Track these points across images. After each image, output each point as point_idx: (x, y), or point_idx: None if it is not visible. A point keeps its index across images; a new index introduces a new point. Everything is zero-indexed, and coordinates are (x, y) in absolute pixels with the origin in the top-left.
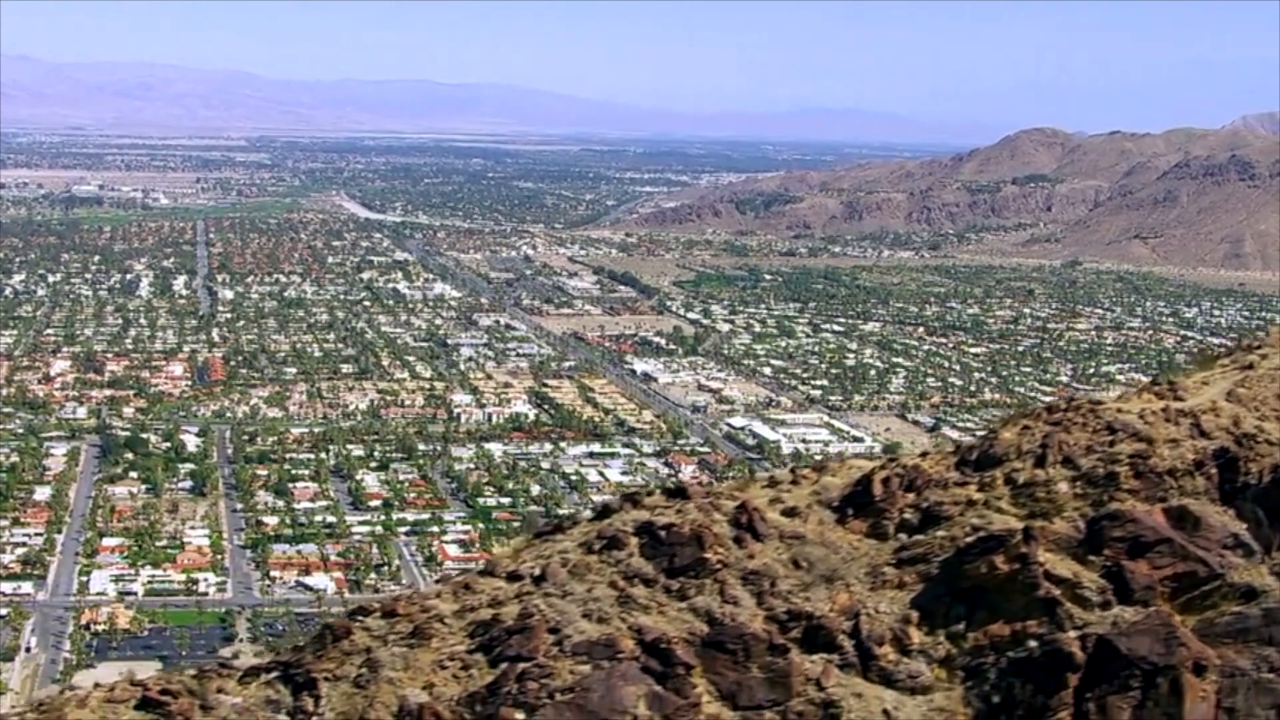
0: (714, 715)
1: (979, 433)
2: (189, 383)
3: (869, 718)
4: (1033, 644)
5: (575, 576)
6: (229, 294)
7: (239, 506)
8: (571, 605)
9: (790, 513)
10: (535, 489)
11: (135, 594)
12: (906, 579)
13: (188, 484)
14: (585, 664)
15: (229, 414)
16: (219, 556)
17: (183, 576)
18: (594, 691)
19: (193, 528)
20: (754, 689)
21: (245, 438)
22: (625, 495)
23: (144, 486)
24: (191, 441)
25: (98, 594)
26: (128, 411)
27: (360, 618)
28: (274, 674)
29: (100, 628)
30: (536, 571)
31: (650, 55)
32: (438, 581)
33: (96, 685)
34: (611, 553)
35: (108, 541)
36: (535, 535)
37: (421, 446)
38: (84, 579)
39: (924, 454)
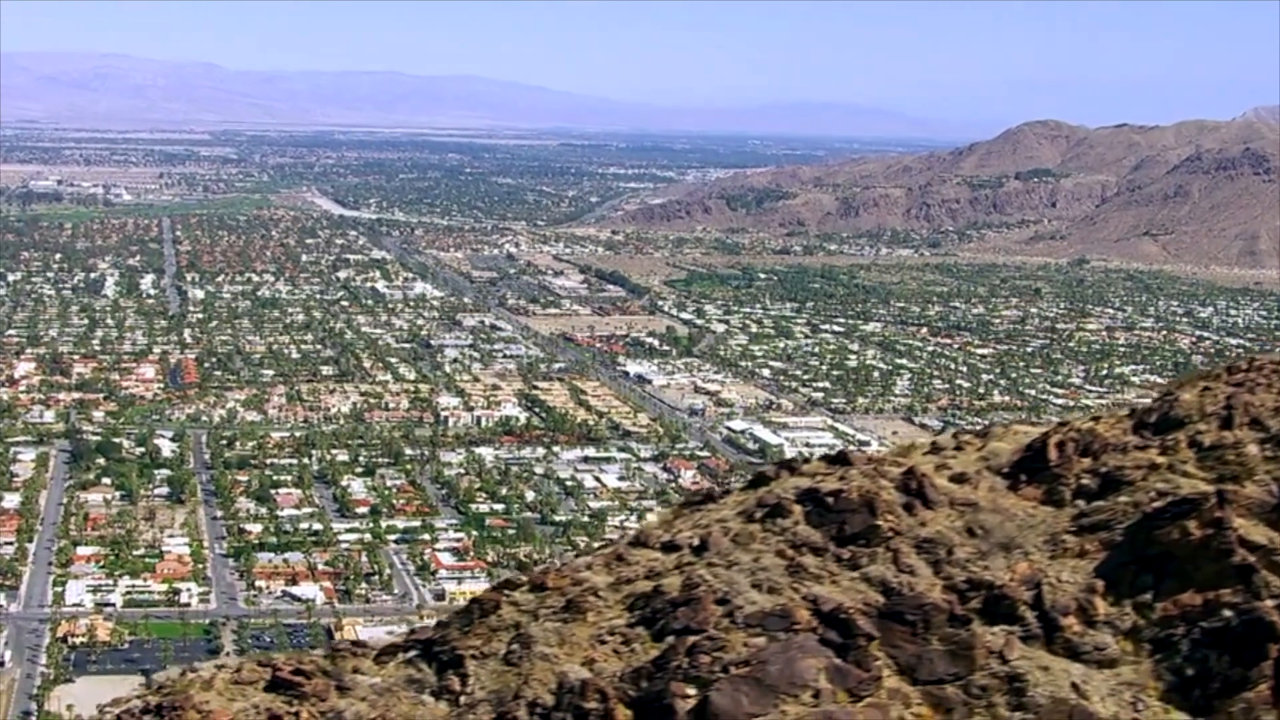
0: (895, 689)
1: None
2: (161, 385)
3: (1056, 692)
4: (1228, 613)
5: (739, 546)
6: (199, 293)
7: (219, 514)
8: (739, 575)
9: (959, 479)
10: (530, 495)
11: (114, 605)
12: (1088, 547)
13: (164, 490)
14: (759, 636)
15: (205, 418)
16: (200, 566)
17: (163, 587)
18: (771, 664)
19: (171, 536)
20: (935, 662)
21: (223, 442)
22: (781, 463)
23: (118, 493)
24: (166, 446)
25: (74, 605)
26: (98, 415)
27: (508, 592)
28: (413, 652)
29: (79, 640)
30: (696, 541)
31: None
32: (581, 555)
33: (220, 667)
34: (775, 521)
35: (82, 550)
36: (684, 505)
37: (408, 451)
38: (59, 589)
39: (1096, 417)
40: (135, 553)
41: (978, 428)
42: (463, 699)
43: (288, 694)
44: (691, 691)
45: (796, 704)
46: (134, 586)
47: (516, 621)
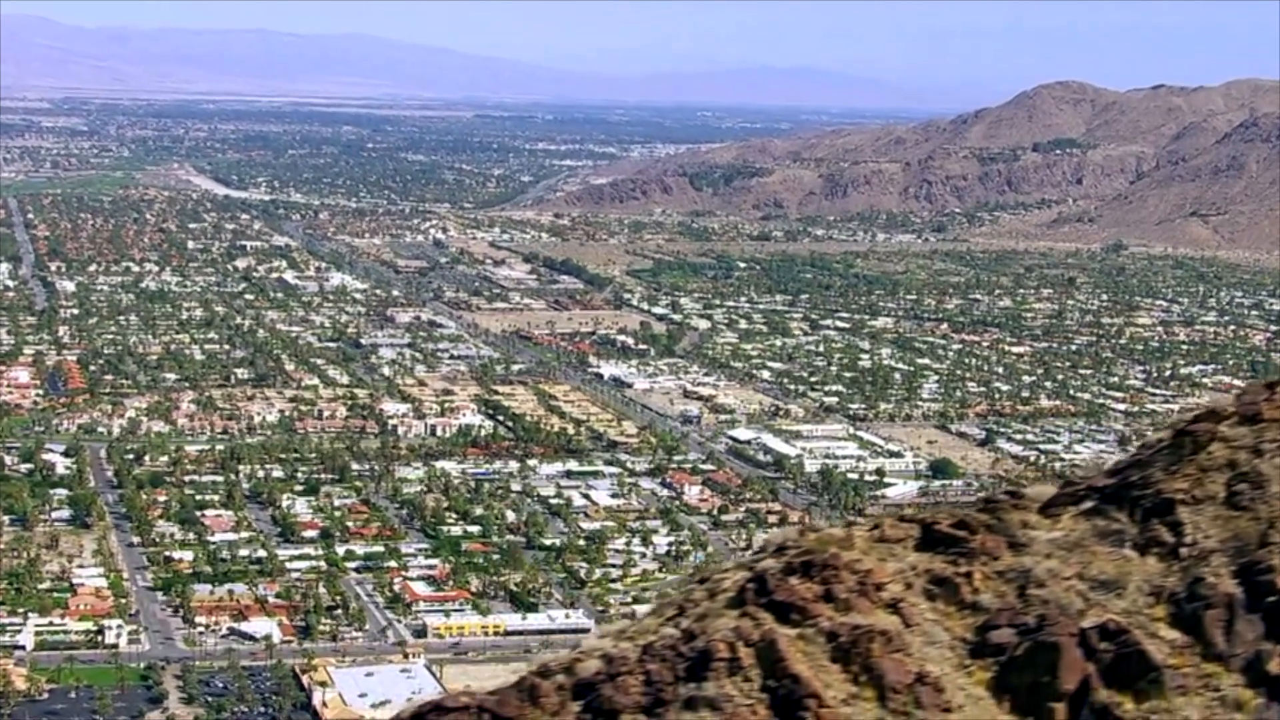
0: None
1: (1043, 446)
2: (40, 392)
3: None
4: None
5: None
6: (69, 285)
7: (136, 540)
8: None
9: None
10: (510, 515)
11: (23, 648)
12: None
13: (65, 514)
14: None
15: (101, 429)
16: (123, 600)
17: (82, 625)
18: None
19: (82, 566)
20: None
21: (129, 457)
22: None
23: (8, 518)
24: (59, 462)
25: None
26: None
27: (1214, 424)
28: (1088, 503)
29: None
30: None
31: (547, 4)
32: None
33: (850, 524)
34: None
35: None
36: None
37: (355, 466)
38: None
39: None
40: (40, 586)
41: None
42: (1182, 550)
43: (949, 552)
44: None
45: None
46: (45, 626)
47: (1230, 460)
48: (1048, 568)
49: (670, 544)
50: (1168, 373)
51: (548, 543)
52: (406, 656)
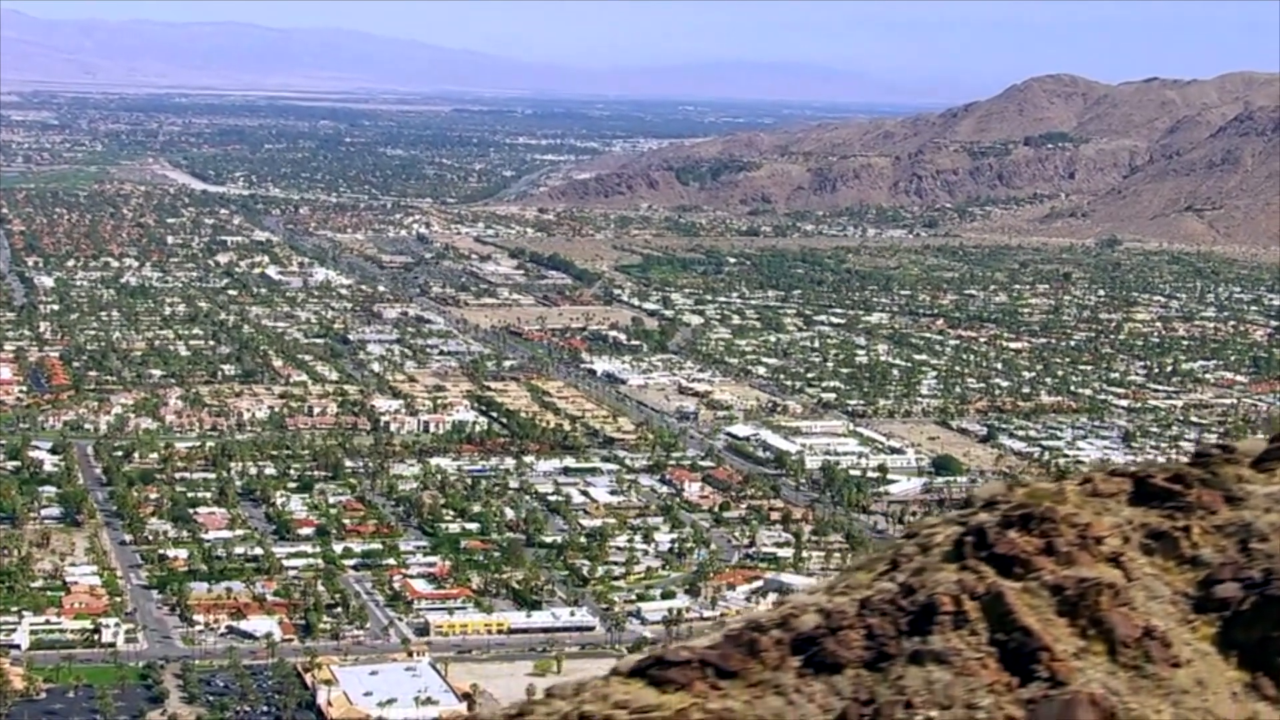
0: None
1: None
2: (24, 388)
3: None
4: None
5: None
6: (48, 281)
7: (128, 538)
8: None
9: None
10: (509, 512)
11: (18, 646)
12: None
13: (55, 511)
14: None
15: (88, 426)
16: (118, 599)
17: (78, 624)
18: None
19: (74, 564)
20: None
21: (117, 454)
22: None
23: None
24: (46, 459)
25: None
26: None
27: None
28: None
29: None
30: None
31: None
32: None
33: (1059, 479)
34: None
35: None
36: None
37: (348, 463)
38: None
39: None
40: (33, 584)
41: None
42: None
43: (1164, 507)
44: None
45: None
46: (40, 625)
47: None
48: (1269, 521)
49: (673, 541)
50: (1169, 368)
51: (548, 540)
52: (411, 655)
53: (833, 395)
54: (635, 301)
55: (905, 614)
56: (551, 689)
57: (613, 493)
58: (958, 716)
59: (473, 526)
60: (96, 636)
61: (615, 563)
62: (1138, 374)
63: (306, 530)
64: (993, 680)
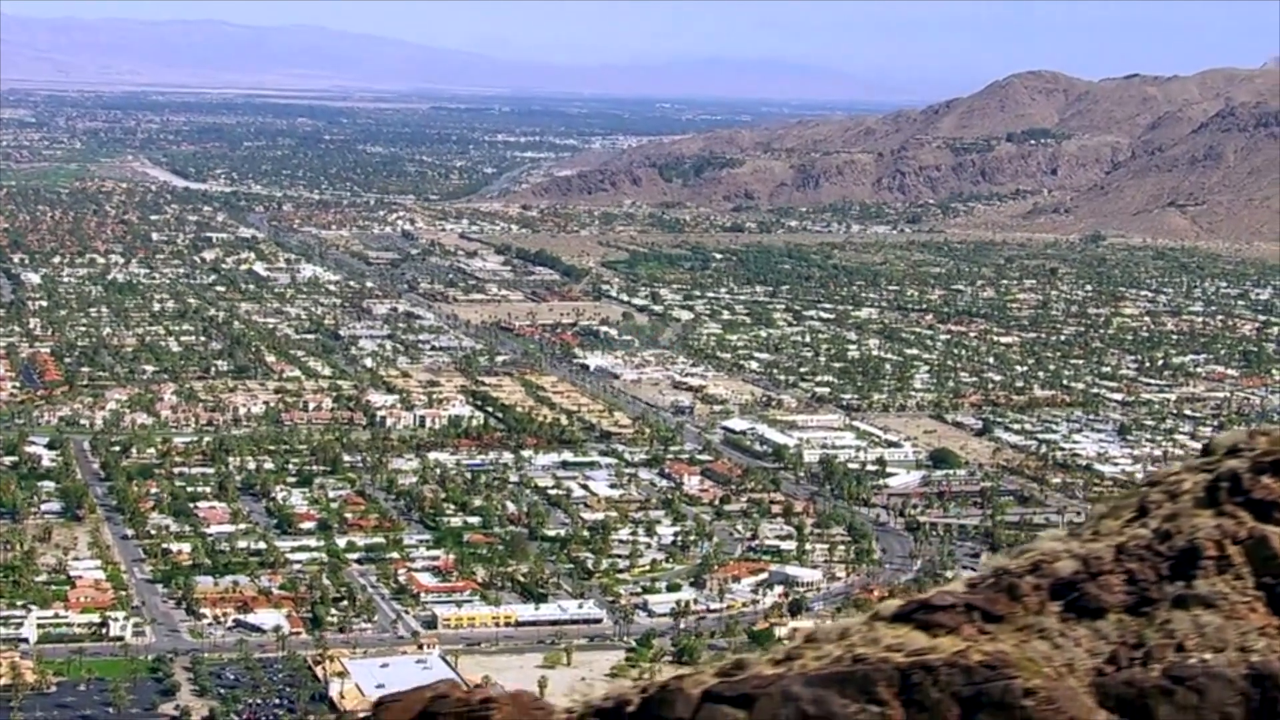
0: None
1: (1041, 436)
2: (16, 384)
3: None
4: None
5: None
6: (35, 277)
7: (130, 532)
8: None
9: None
10: (510, 506)
11: (26, 640)
12: None
13: (55, 506)
14: None
15: (83, 421)
16: (124, 593)
17: (85, 618)
18: None
19: (78, 559)
20: None
21: (115, 449)
22: None
23: None
24: (44, 455)
25: None
26: None
27: None
28: None
29: None
30: None
31: None
32: None
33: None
34: None
35: None
36: None
37: (346, 458)
38: None
39: None
40: (38, 579)
41: None
42: None
43: None
44: None
45: None
46: (47, 619)
47: None
48: None
49: (675, 534)
50: (1160, 362)
51: (550, 533)
52: (421, 648)
53: (826, 390)
54: (624, 297)
55: (1164, 559)
56: (813, 633)
57: (612, 486)
58: (1231, 660)
59: (474, 520)
60: (104, 630)
61: (619, 556)
62: (1129, 368)
63: (308, 524)
64: (1263, 624)
